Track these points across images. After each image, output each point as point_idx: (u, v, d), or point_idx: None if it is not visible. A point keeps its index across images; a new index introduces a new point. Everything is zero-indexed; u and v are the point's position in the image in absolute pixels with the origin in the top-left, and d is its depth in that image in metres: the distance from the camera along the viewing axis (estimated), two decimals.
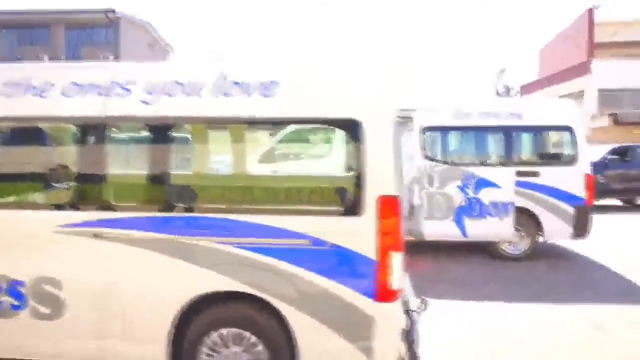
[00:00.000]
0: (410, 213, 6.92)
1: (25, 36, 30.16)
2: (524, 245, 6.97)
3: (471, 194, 6.74)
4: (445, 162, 6.92)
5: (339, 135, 3.26)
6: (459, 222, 6.80)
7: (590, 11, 28.36)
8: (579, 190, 6.73)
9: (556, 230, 6.87)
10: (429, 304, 3.99)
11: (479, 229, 6.78)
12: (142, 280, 3.03)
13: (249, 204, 3.15)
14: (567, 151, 6.93)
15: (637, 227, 10.45)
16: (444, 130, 6.98)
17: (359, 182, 2.91)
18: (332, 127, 3.21)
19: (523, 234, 6.95)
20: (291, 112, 3.03)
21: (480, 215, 6.73)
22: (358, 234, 2.93)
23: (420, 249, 7.43)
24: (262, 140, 3.83)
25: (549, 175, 6.76)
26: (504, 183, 6.64)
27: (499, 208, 6.66)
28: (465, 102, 7.01)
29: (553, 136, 7.18)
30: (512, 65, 69.37)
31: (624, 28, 27.48)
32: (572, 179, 6.75)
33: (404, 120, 7.16)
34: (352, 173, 2.96)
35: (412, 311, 3.69)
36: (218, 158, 3.70)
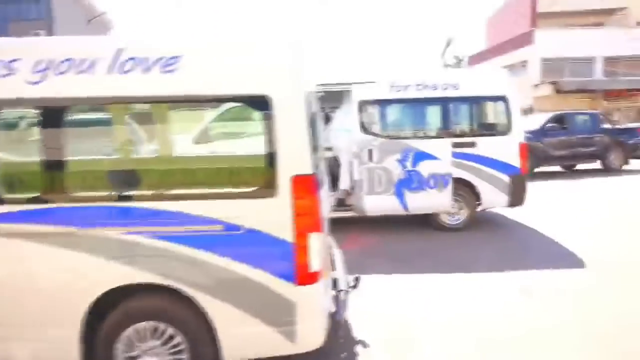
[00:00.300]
0: (352, 189, 6.89)
1: None
2: (463, 215, 7.09)
3: (410, 167, 6.76)
4: (383, 136, 6.87)
5: (250, 112, 3.09)
6: (399, 196, 6.82)
7: None
8: (514, 159, 6.87)
9: (493, 200, 7.02)
10: (361, 281, 3.97)
11: (419, 202, 6.83)
12: (44, 279, 2.81)
13: (156, 189, 2.95)
14: (501, 121, 7.02)
15: (574, 192, 10.90)
16: (382, 103, 6.89)
17: (271, 162, 2.79)
18: (241, 104, 3.03)
19: (462, 204, 7.06)
20: (196, 90, 2.83)
21: (420, 188, 6.78)
22: (273, 216, 2.83)
23: (363, 225, 7.46)
24: (169, 120, 3.59)
25: (485, 146, 6.85)
26: (441, 155, 6.70)
27: (438, 180, 6.73)
28: (401, 74, 6.94)
29: (488, 106, 7.25)
30: (462, 35, 70.18)
31: None
32: (507, 149, 6.88)
33: (342, 94, 7.06)
34: (264, 153, 2.82)
35: (342, 290, 3.64)
36: (122, 141, 3.45)
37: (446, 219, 7.10)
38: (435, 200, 6.79)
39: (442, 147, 6.69)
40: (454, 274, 5.36)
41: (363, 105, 6.81)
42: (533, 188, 7.17)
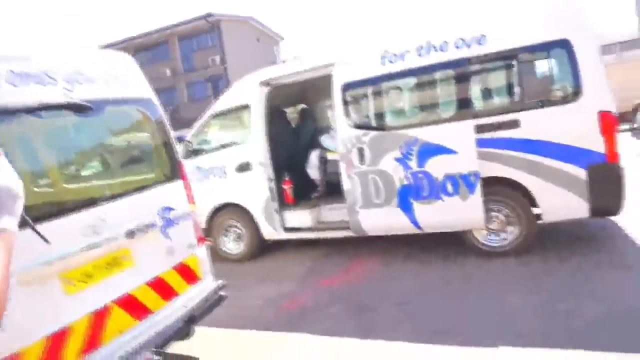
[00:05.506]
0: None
1: (149, 56, 33.56)
2: (512, 233, 4.64)
3: (415, 168, 4.70)
4: (376, 128, 4.95)
5: None
6: (406, 209, 4.82)
7: None
8: (592, 140, 4.13)
9: (561, 207, 4.37)
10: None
11: (433, 216, 4.72)
12: None
13: None
14: (563, 81, 4.30)
15: None
16: (372, 83, 4.94)
17: None
18: None
19: (510, 217, 4.62)
20: None
21: (433, 196, 4.66)
22: None
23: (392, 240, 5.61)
24: None
25: (535, 124, 4.29)
26: (460, 145, 4.46)
27: (458, 183, 4.51)
28: (398, 38, 4.86)
29: (538, 61, 4.52)
30: None
31: None
32: (578, 124, 4.18)
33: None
34: None
35: None
36: None
37: (484, 239, 4.75)
38: (458, 213, 4.57)
39: (460, 134, 4.44)
40: (430, 347, 3.35)
41: (348, 88, 5.03)
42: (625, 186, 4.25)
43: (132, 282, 2.96)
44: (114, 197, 2.92)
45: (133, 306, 2.92)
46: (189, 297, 3.37)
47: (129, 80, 3.26)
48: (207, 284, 3.58)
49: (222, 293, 3.57)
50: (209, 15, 29.56)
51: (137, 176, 3.32)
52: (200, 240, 3.66)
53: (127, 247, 2.95)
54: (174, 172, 3.47)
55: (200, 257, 3.59)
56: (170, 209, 3.32)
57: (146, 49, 33.60)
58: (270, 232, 5.82)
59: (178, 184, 3.47)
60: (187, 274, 3.42)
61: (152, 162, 3.48)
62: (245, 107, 5.77)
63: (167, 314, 3.13)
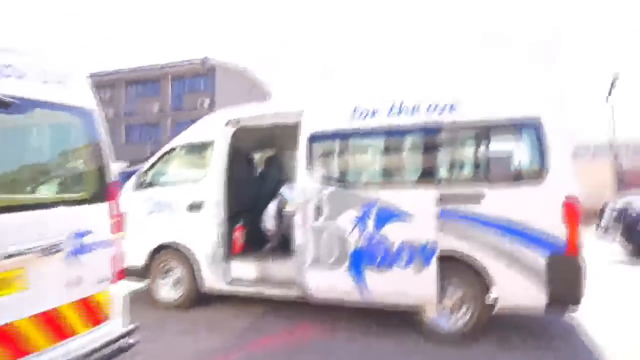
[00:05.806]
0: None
1: (139, 89, 33.77)
2: (464, 315, 4.32)
3: (371, 230, 4.44)
4: (336, 184, 4.72)
5: None
6: (357, 274, 4.50)
7: None
8: (554, 226, 3.96)
9: (517, 294, 4.11)
10: None
11: (384, 286, 4.39)
12: None
13: None
14: (530, 160, 4.21)
15: None
16: (339, 137, 4.79)
17: None
18: None
19: (463, 297, 4.32)
20: None
21: (386, 264, 4.37)
22: None
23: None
24: None
25: (498, 201, 4.13)
26: (419, 213, 4.24)
27: (414, 253, 4.24)
28: (370, 95, 4.78)
29: (507, 137, 4.45)
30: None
31: None
32: (540, 207, 4.02)
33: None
34: None
35: None
36: None
37: (434, 320, 4.41)
38: (410, 286, 4.26)
39: (422, 202, 4.23)
40: None
41: (314, 140, 4.85)
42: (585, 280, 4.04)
43: (17, 311, 2.52)
44: (14, 209, 2.55)
45: (9, 341, 2.47)
46: (90, 338, 2.92)
47: (71, 87, 2.99)
48: (115, 327, 3.14)
49: (131, 340, 3.13)
50: (206, 60, 30.12)
51: (52, 191, 2.97)
52: (119, 275, 3.25)
53: (20, 269, 2.55)
54: (101, 194, 3.13)
55: (114, 294, 3.17)
56: (85, 233, 2.94)
57: (137, 82, 33.86)
58: (212, 280, 5.37)
59: (102, 207, 3.12)
60: (92, 311, 2.98)
61: (76, 178, 3.14)
62: (208, 144, 5.52)
63: (55, 356, 2.68)
